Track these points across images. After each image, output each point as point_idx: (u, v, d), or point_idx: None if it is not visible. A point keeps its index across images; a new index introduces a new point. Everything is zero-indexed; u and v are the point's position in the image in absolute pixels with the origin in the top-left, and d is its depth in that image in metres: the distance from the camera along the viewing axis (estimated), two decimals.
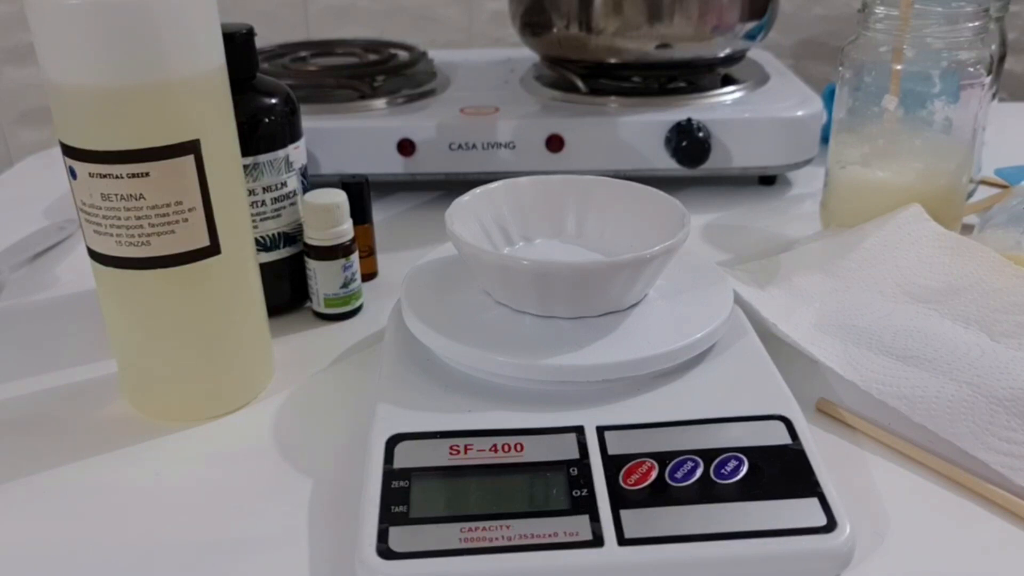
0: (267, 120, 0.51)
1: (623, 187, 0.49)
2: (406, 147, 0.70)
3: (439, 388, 0.42)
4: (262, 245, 0.53)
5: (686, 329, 0.43)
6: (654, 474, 0.37)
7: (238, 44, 0.50)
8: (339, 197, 0.54)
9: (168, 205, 0.41)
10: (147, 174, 0.40)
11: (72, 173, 0.41)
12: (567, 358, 0.41)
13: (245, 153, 0.50)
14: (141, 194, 0.40)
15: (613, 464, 0.37)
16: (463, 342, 0.42)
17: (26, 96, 1.11)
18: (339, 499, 0.40)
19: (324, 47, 0.86)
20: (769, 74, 0.79)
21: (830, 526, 0.34)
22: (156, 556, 0.38)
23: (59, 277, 0.63)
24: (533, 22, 0.74)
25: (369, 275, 0.61)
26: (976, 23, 0.54)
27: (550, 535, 0.34)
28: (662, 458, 0.37)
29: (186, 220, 0.42)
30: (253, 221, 0.52)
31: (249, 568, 0.37)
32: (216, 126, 0.42)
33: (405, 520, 0.35)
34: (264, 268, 0.50)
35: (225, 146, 0.43)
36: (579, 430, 0.39)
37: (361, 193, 0.58)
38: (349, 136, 0.70)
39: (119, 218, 0.41)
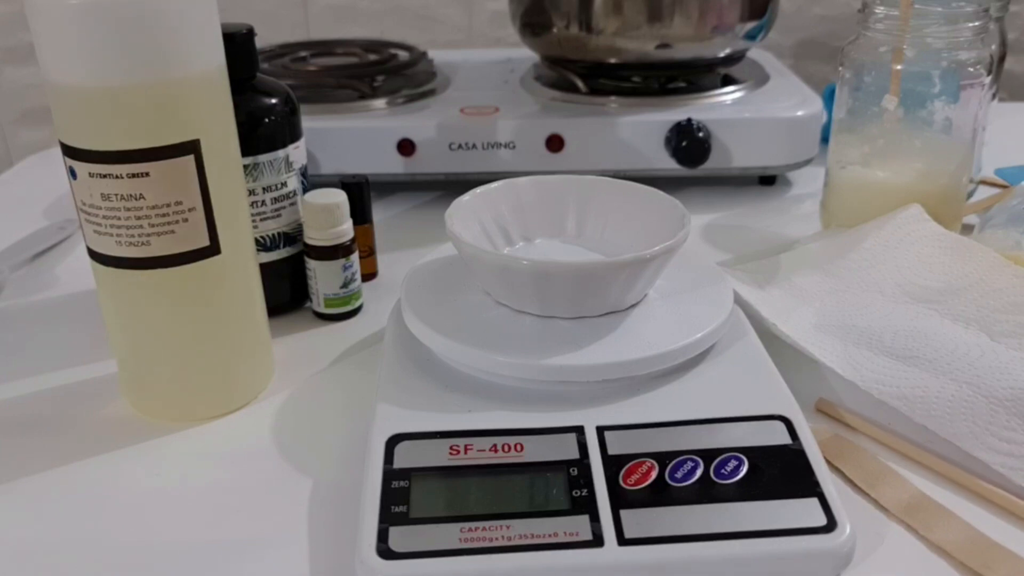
0: (267, 120, 0.51)
1: (623, 187, 0.49)
2: (406, 147, 0.70)
3: (439, 388, 0.42)
4: (262, 245, 0.53)
5: (686, 329, 0.43)
6: (654, 474, 0.37)
7: (238, 44, 0.50)
8: (339, 197, 0.54)
9: (168, 205, 0.41)
10: (147, 174, 0.40)
11: (72, 173, 0.41)
12: (567, 358, 0.41)
13: (245, 153, 0.50)
14: (141, 194, 0.40)
15: (613, 464, 0.37)
16: (463, 342, 0.42)
17: (26, 96, 1.11)
18: (339, 499, 0.40)
19: (324, 47, 0.86)
20: (769, 74, 0.79)
21: (830, 526, 0.34)
22: (156, 556, 0.38)
23: (59, 277, 0.63)
24: (533, 22, 0.74)
25: (369, 275, 0.61)
26: (976, 23, 0.54)
27: (550, 535, 0.34)
28: (662, 458, 0.37)
29: (186, 220, 0.42)
30: (253, 221, 0.52)
31: (249, 568, 0.37)
32: (216, 126, 0.42)
33: (405, 520, 0.35)
34: (264, 268, 0.50)
35: (225, 146, 0.43)
36: (579, 430, 0.39)
37: (361, 193, 0.58)
38: (349, 136, 0.70)
39: (119, 218, 0.41)
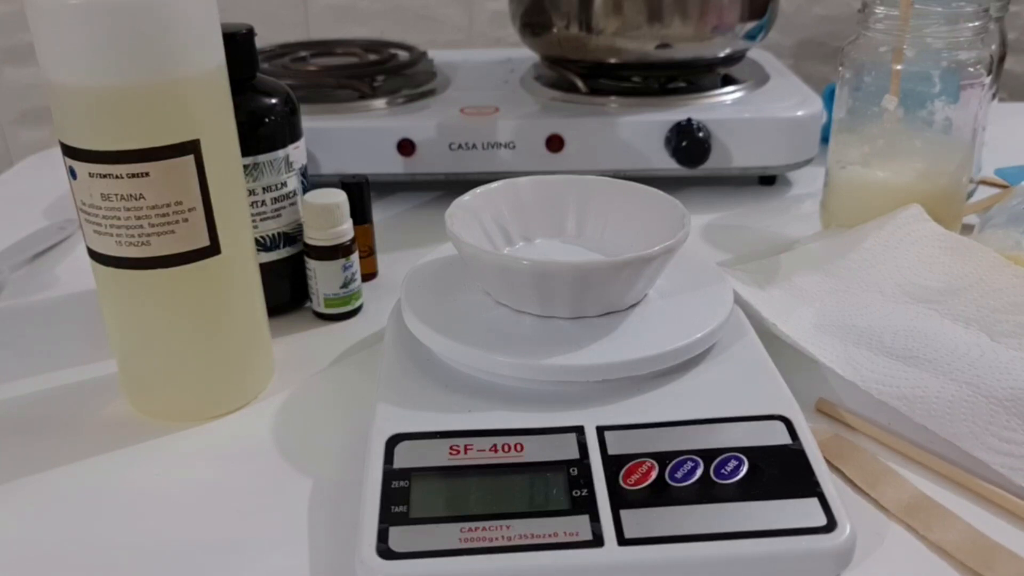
0: (267, 120, 0.51)
1: (623, 187, 0.49)
2: (406, 147, 0.70)
3: (439, 388, 0.42)
4: (262, 245, 0.53)
5: (686, 329, 0.43)
6: (654, 474, 0.37)
7: (238, 44, 0.50)
8: (339, 197, 0.54)
9: (168, 205, 0.41)
10: (147, 174, 0.40)
11: (72, 173, 0.41)
12: (567, 358, 0.41)
13: (245, 153, 0.50)
14: (141, 194, 0.40)
15: (613, 464, 0.37)
16: (463, 342, 0.42)
17: (26, 96, 1.11)
18: (339, 499, 0.40)
19: (324, 47, 0.86)
20: (769, 74, 0.79)
21: (830, 526, 0.34)
22: (156, 556, 0.38)
23: (59, 277, 0.63)
24: (533, 22, 0.74)
25: (369, 275, 0.61)
26: (976, 23, 0.54)
27: (550, 535, 0.34)
28: (662, 458, 0.37)
29: (186, 220, 0.42)
30: (253, 221, 0.52)
31: (249, 568, 0.37)
32: (216, 126, 0.42)
33: (405, 520, 0.35)
34: (264, 268, 0.50)
35: (225, 146, 0.43)
36: (579, 430, 0.39)
37: (361, 193, 0.58)
38: (349, 136, 0.70)
39: (119, 218, 0.41)
